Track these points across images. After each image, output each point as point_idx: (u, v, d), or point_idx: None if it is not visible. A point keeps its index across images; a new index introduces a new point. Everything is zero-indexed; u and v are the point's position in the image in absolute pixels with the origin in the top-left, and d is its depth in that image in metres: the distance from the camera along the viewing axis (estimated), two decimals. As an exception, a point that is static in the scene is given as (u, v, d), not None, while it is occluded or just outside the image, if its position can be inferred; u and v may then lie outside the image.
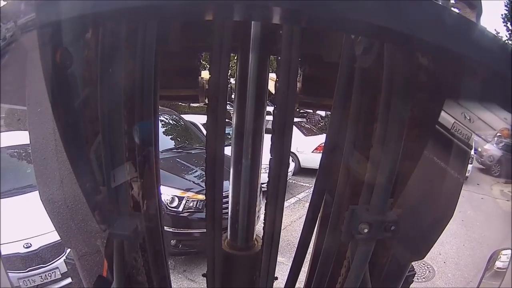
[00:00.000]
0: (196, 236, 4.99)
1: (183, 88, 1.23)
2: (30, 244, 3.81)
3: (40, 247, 3.83)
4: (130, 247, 1.01)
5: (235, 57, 1.10)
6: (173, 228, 5.01)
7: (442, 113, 0.83)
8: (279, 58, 0.96)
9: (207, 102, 1.02)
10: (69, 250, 1.18)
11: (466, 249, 6.04)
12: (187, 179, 5.51)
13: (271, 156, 1.03)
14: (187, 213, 5.12)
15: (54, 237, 3.68)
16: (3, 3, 0.69)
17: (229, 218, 1.22)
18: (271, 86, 1.10)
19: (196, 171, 5.75)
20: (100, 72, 0.84)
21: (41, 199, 0.98)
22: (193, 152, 6.40)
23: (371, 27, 0.58)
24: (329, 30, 1.05)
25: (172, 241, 4.98)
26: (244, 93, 1.07)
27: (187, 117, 8.23)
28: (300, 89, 1.18)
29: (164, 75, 1.11)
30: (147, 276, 1.17)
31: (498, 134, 0.78)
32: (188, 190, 5.23)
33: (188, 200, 5.13)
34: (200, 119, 8.20)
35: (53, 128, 0.87)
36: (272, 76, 1.13)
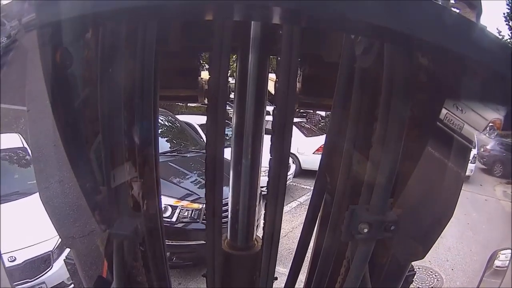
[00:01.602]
0: (192, 248, 4.47)
1: (183, 88, 1.24)
2: (15, 258, 3.52)
3: (24, 261, 3.57)
4: (130, 247, 1.01)
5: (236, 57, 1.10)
6: (166, 240, 4.77)
7: None
8: (279, 58, 0.96)
9: (206, 102, 1.02)
10: (69, 250, 1.18)
11: (473, 254, 5.83)
12: (181, 186, 5.00)
13: (271, 156, 1.03)
14: (182, 224, 4.70)
15: (40, 250, 3.57)
16: (3, 2, 0.69)
17: (229, 218, 1.22)
18: (271, 87, 1.11)
19: (192, 176, 5.23)
20: (100, 72, 0.84)
21: (40, 198, 0.98)
22: (188, 155, 5.95)
23: (371, 27, 0.58)
24: (329, 30, 1.05)
25: (165, 253, 4.74)
26: (244, 93, 1.07)
27: (184, 118, 7.92)
28: (300, 89, 1.18)
29: (164, 75, 1.11)
30: (147, 276, 1.17)
31: (490, 124, 0.78)
32: (182, 198, 4.77)
33: (182, 210, 4.68)
34: (197, 120, 7.90)
35: (53, 126, 0.87)
36: (272, 76, 1.13)
